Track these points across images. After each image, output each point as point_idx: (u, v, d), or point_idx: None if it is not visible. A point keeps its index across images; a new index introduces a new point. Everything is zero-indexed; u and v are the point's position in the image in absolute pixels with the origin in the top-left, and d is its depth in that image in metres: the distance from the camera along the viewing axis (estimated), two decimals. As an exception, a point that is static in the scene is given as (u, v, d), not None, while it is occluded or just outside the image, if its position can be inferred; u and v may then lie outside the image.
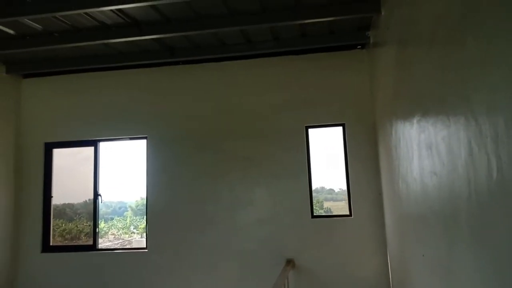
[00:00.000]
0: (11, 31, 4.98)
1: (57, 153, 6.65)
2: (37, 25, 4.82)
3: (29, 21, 4.67)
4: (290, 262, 5.62)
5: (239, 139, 6.06)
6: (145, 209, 6.34)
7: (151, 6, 4.34)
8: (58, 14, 4.33)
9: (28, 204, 6.45)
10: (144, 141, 6.38)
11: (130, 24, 4.83)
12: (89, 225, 6.53)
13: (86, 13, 4.48)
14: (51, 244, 6.45)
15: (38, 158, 6.52)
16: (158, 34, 5.00)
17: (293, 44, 5.69)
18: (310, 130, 6.00)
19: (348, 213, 5.78)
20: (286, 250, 5.75)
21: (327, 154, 6.07)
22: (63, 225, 6.70)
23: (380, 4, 4.54)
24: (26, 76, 6.68)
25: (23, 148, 6.52)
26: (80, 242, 6.59)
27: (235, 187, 6.01)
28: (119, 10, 4.42)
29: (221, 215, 5.99)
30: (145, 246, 6.20)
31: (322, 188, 6.17)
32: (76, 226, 6.71)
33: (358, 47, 5.93)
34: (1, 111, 6.24)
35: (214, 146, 6.12)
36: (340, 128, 5.94)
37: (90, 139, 6.48)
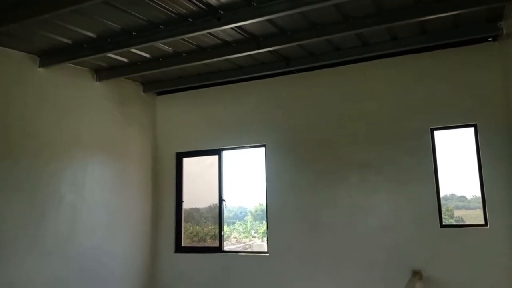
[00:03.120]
0: (147, 55, 5.61)
1: (186, 161, 7.27)
2: (168, 47, 5.35)
3: (162, 45, 5.21)
4: (417, 274, 5.30)
5: (358, 144, 5.93)
6: (264, 214, 6.57)
7: (267, 20, 4.52)
8: (185, 36, 4.75)
9: (163, 209, 7.17)
10: (262, 149, 6.63)
11: (248, 39, 5.08)
12: (214, 228, 6.99)
13: (209, 33, 4.84)
14: (182, 245, 7.06)
15: (170, 167, 7.22)
16: (275, 46, 5.17)
17: (413, 43, 5.38)
18: (436, 132, 5.61)
19: (483, 222, 5.26)
20: (412, 261, 5.44)
21: (456, 157, 5.61)
22: (191, 228, 7.29)
23: (516, -9, 4.08)
24: (160, 93, 7.46)
25: (159, 159, 7.29)
26: (206, 244, 7.09)
27: (354, 193, 5.89)
28: (239, 27, 4.69)
29: (340, 221, 5.92)
30: (266, 250, 6.42)
31: (452, 195, 5.71)
32: (202, 229, 7.24)
33: (489, 39, 5.38)
34: (141, 127, 7.08)
35: (332, 152, 6.09)
36: (471, 129, 5.45)
37: (214, 148, 6.96)
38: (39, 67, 5.41)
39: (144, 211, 6.98)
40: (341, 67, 6.12)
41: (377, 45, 5.51)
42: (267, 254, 6.35)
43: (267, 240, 6.45)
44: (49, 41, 4.97)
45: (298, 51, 5.68)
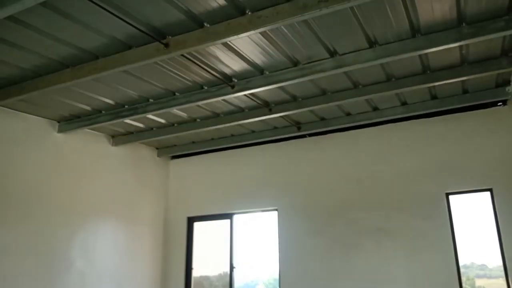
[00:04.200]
0: (162, 120, 5.77)
1: (196, 226, 7.17)
2: (183, 113, 5.52)
3: (177, 111, 5.37)
4: None
5: (371, 209, 5.82)
6: (277, 283, 6.32)
7: (279, 87, 4.67)
8: (200, 103, 4.90)
9: (172, 276, 6.95)
10: (275, 213, 6.54)
11: (261, 105, 5.22)
12: (225, 298, 6.70)
13: (223, 100, 5.00)
14: (193, 315, 6.76)
15: (181, 232, 7.11)
16: (286, 112, 5.29)
17: (423, 108, 5.47)
18: (452, 197, 5.50)
19: (507, 292, 4.99)
20: (434, 334, 5.10)
21: (474, 223, 5.44)
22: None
23: (520, 58, 4.19)
24: (173, 157, 7.57)
25: (170, 222, 7.21)
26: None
27: (369, 261, 5.67)
28: (252, 94, 4.84)
29: (357, 290, 5.66)
30: (280, 322, 6.10)
31: (472, 263, 5.46)
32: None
33: (499, 104, 5.45)
34: (154, 190, 7.10)
35: (345, 217, 5.96)
36: (487, 194, 5.34)
37: (226, 212, 6.88)
38: (58, 132, 5.58)
39: (153, 278, 6.78)
40: (353, 131, 6.20)
41: (388, 110, 5.61)
42: (281, 327, 6.03)
43: (280, 311, 6.15)
44: (69, 108, 5.18)
45: (309, 116, 5.80)
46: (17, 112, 5.12)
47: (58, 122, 5.59)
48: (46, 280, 5.13)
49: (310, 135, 6.44)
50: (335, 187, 6.16)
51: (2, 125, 4.95)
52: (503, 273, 5.04)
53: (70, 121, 5.55)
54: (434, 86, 4.89)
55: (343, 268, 5.81)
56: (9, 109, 5.02)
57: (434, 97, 5.33)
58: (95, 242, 5.85)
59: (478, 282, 5.50)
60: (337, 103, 5.06)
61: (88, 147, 6.01)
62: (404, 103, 5.47)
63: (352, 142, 6.23)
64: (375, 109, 5.62)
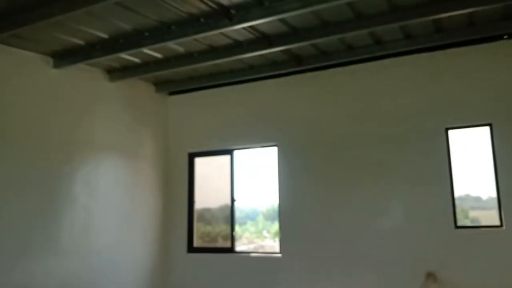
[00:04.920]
0: (159, 55, 5.63)
1: (197, 162, 7.28)
2: (179, 47, 5.36)
3: (174, 45, 5.22)
4: (431, 276, 5.23)
5: (371, 145, 5.87)
6: (276, 215, 6.54)
7: (279, 19, 4.49)
8: (197, 37, 4.75)
9: (175, 209, 7.18)
10: (274, 149, 6.61)
11: (260, 38, 5.06)
12: (225, 229, 6.99)
13: (221, 33, 4.83)
14: (194, 245, 7.07)
15: (183, 167, 7.23)
16: (286, 45, 5.14)
17: (428, 41, 5.31)
18: (451, 132, 5.52)
19: (498, 223, 5.17)
20: (426, 263, 5.36)
21: (471, 157, 5.51)
22: (203, 228, 7.29)
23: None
24: (172, 93, 7.48)
25: (171, 159, 7.30)
26: (217, 245, 7.09)
27: (368, 195, 5.82)
28: (250, 26, 4.67)
29: (353, 223, 5.86)
30: (278, 251, 6.39)
31: (467, 195, 5.60)
32: (214, 229, 7.24)
33: (505, 37, 5.28)
34: (153, 127, 7.11)
35: (344, 152, 6.03)
36: (486, 129, 5.36)
37: (226, 148, 6.95)
38: (53, 68, 5.46)
39: (156, 211, 7.00)
40: (354, 66, 6.06)
41: (391, 44, 5.45)
42: (280, 255, 6.32)
43: (279, 241, 6.42)
44: (62, 42, 5.02)
45: (310, 50, 5.64)
46: (11, 48, 4.97)
47: (53, 57, 5.45)
48: (52, 215, 5.29)
49: (311, 70, 6.31)
50: (335, 123, 6.16)
51: (-4, 61, 4.83)
52: (496, 205, 5.21)
53: (64, 57, 5.40)
54: (440, 18, 4.70)
55: (341, 202, 5.98)
56: (2, 45, 4.86)
57: (439, 30, 5.15)
58: (98, 178, 5.95)
59: (472, 213, 5.69)
60: (339, 36, 4.91)
61: (85, 83, 5.91)
62: (408, 36, 5.30)
63: (353, 77, 6.13)
64: (378, 42, 5.45)
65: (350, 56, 5.73)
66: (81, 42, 5.03)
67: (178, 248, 7.05)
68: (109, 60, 5.67)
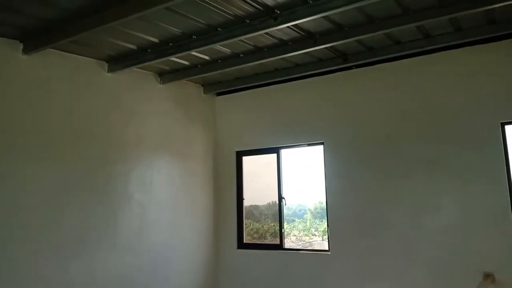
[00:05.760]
0: (206, 57, 5.79)
1: (244, 160, 7.42)
2: (226, 49, 5.49)
3: (220, 47, 5.35)
4: (489, 276, 5.02)
5: (422, 141, 5.71)
6: (324, 212, 6.52)
7: (324, 17, 4.49)
8: (243, 37, 4.84)
9: (225, 206, 7.36)
10: (321, 147, 6.59)
11: (305, 37, 5.08)
12: (273, 226, 7.07)
13: (266, 33, 4.90)
14: (244, 241, 7.21)
15: (231, 165, 7.39)
16: (332, 43, 5.12)
17: (479, 33, 5.07)
18: (508, 127, 5.26)
19: (563, 222, 4.88)
20: (483, 263, 5.15)
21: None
22: (251, 224, 7.42)
23: None
24: (219, 94, 7.67)
25: (219, 156, 7.49)
26: (266, 241, 7.18)
27: (418, 192, 5.68)
28: (295, 25, 4.70)
29: (404, 220, 5.73)
30: (327, 249, 6.38)
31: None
32: (262, 226, 7.34)
33: None
34: (202, 126, 7.33)
35: (393, 149, 5.91)
36: (546, 123, 5.07)
37: (273, 146, 7.02)
38: (108, 72, 5.77)
39: (207, 208, 7.22)
40: (402, 60, 5.92)
41: (440, 37, 5.27)
42: (329, 253, 6.31)
43: (328, 238, 6.41)
44: (116, 47, 5.29)
45: (356, 47, 5.59)
46: (69, 54, 5.30)
47: (107, 62, 5.75)
48: (110, 211, 5.60)
49: (357, 66, 6.24)
50: (383, 119, 6.05)
51: (56, 67, 5.16)
52: (559, 203, 4.92)
53: (118, 61, 5.69)
54: (492, 9, 4.50)
55: (391, 199, 5.87)
56: (62, 51, 5.19)
57: (491, 22, 4.92)
58: (151, 177, 6.22)
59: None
60: (385, 31, 4.82)
61: (138, 86, 6.20)
62: (458, 29, 5.11)
63: (401, 73, 5.99)
64: (427, 36, 5.30)
65: (398, 51, 5.60)
66: (133, 46, 5.26)
67: (228, 244, 7.22)
68: (160, 63, 5.89)
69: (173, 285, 6.38)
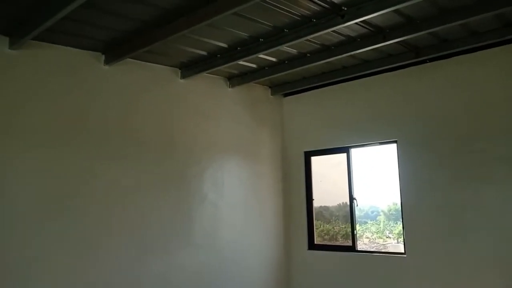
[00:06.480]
0: (273, 59, 5.87)
1: (313, 160, 7.38)
2: (292, 50, 5.52)
3: (287, 48, 5.39)
4: None
5: (502, 138, 5.31)
6: (399, 214, 6.28)
7: (394, 11, 4.35)
8: (309, 37, 4.84)
9: (294, 206, 7.37)
10: (394, 146, 6.37)
11: (374, 32, 4.96)
12: (344, 227, 6.95)
13: (333, 31, 4.86)
14: (315, 242, 7.17)
15: (299, 166, 7.39)
16: (402, 37, 4.94)
17: None
18: None
19: None
20: None
21: None
22: (321, 226, 7.35)
23: None
24: (286, 95, 7.72)
25: (287, 158, 7.53)
26: (337, 243, 7.07)
27: (499, 192, 5.27)
28: (363, 21, 4.61)
29: (486, 222, 5.36)
30: (403, 252, 6.14)
31: None
32: (333, 227, 7.25)
33: None
34: (270, 128, 7.43)
35: (471, 147, 5.54)
36: None
37: (342, 146, 6.92)
38: (181, 78, 6.07)
39: (277, 208, 7.29)
40: (480, 52, 5.56)
41: (523, 24, 4.89)
42: (405, 256, 6.07)
43: (403, 241, 6.17)
44: (188, 54, 5.54)
45: (429, 39, 5.33)
46: (145, 62, 5.67)
47: (180, 69, 6.05)
48: (186, 210, 5.88)
49: (431, 60, 5.95)
50: (460, 115, 5.70)
51: (134, 75, 5.54)
52: None
53: (190, 67, 5.96)
54: None
55: (469, 200, 5.52)
56: (138, 61, 5.56)
57: None
58: (223, 178, 6.43)
59: None
60: (460, 22, 4.56)
61: (209, 90, 6.46)
62: (546, 13, 4.69)
63: (479, 65, 5.62)
64: (508, 24, 4.92)
65: (475, 42, 5.24)
66: (204, 52, 5.48)
67: (299, 244, 7.22)
68: (229, 67, 6.08)
69: (246, 283, 6.52)
